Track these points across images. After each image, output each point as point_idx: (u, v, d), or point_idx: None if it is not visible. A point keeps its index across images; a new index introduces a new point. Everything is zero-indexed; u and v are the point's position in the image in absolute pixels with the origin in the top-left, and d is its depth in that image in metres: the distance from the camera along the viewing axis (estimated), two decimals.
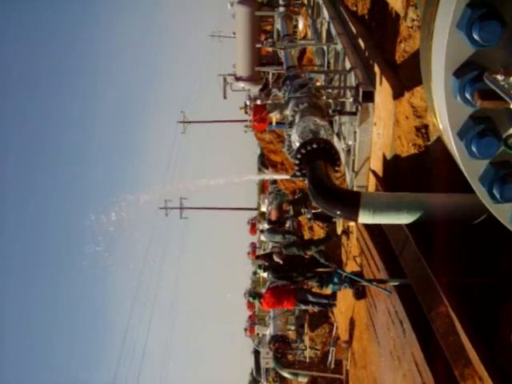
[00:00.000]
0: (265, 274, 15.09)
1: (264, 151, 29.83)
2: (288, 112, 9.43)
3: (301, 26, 19.51)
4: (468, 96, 3.49)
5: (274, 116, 10.98)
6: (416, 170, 8.44)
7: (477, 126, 3.60)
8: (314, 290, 14.62)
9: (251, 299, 19.85)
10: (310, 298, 14.48)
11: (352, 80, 10.43)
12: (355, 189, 10.66)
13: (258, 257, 16.16)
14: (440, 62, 3.59)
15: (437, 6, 3.56)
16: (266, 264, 14.12)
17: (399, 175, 9.19)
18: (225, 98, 20.93)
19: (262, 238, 35.04)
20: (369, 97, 9.71)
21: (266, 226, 24.38)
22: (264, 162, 32.82)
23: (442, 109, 3.73)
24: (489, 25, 3.22)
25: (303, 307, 17.21)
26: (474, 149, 3.63)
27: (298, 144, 8.07)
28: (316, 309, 16.88)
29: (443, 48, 3.49)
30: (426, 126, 8.24)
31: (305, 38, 18.91)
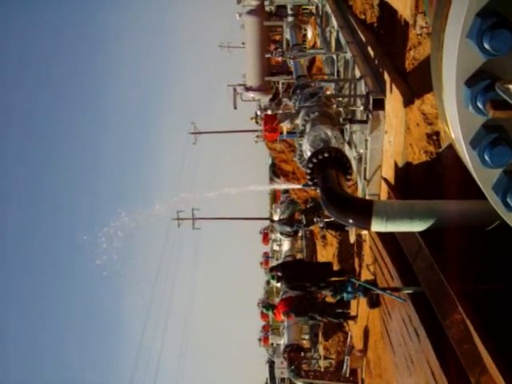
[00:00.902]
0: (278, 284, 15.07)
1: (275, 161, 29.85)
2: (299, 121, 9.47)
3: (310, 35, 19.60)
4: (480, 105, 3.50)
5: (285, 125, 11.00)
6: (428, 177, 8.43)
7: (489, 135, 3.61)
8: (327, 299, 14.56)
9: (265, 310, 19.84)
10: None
11: (362, 88, 10.44)
12: (367, 197, 10.65)
13: (271, 269, 16.11)
14: (451, 72, 3.60)
15: (446, 17, 3.58)
16: (280, 274, 14.11)
17: (411, 182, 9.18)
18: (235, 108, 21.02)
19: (275, 247, 35.03)
20: (379, 105, 9.71)
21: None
22: (275, 172, 32.84)
23: (454, 118, 3.74)
24: (499, 34, 3.24)
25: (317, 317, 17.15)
26: (486, 158, 3.64)
27: (309, 153, 8.09)
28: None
29: (454, 58, 3.51)
30: (437, 133, 8.24)
31: (314, 47, 18.97)
